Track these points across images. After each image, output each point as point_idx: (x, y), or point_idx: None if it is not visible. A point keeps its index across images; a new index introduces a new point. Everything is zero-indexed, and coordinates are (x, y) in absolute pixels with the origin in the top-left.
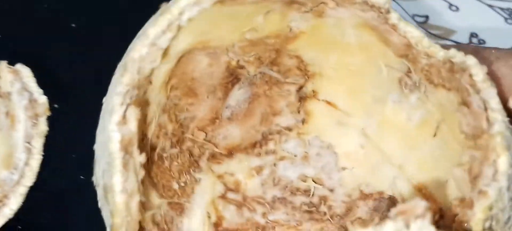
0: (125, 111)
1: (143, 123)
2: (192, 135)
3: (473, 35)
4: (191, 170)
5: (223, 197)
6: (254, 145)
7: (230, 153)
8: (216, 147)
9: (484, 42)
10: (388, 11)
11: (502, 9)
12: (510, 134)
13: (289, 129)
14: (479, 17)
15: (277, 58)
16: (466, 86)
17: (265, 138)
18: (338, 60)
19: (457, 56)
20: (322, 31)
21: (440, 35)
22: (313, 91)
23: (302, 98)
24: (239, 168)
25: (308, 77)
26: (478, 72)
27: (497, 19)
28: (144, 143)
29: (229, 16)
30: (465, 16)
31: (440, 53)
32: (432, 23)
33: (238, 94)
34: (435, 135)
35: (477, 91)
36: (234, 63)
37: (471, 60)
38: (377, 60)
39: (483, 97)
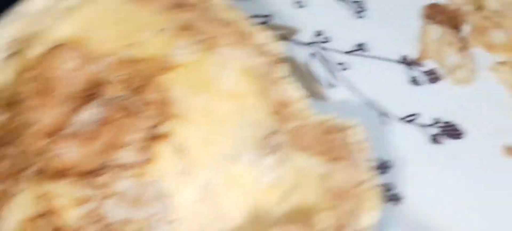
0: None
1: None
2: (28, 140)
3: (318, 33)
4: (13, 178)
5: (37, 217)
6: (88, 173)
7: (61, 173)
8: (48, 162)
9: (330, 39)
10: (277, 62)
11: (351, 2)
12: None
13: (129, 167)
14: (327, 13)
15: (145, 86)
16: (343, 145)
17: (101, 168)
18: (205, 104)
19: (332, 120)
20: (201, 68)
21: (283, 35)
22: (167, 133)
23: (152, 138)
24: (64, 192)
25: (166, 118)
26: (356, 133)
27: (345, 14)
28: None
29: (122, 19)
30: (311, 12)
31: (313, 117)
32: (275, 23)
33: (90, 113)
34: (282, 201)
35: (353, 151)
36: (100, 76)
37: (349, 122)
38: (247, 113)
39: (358, 157)
